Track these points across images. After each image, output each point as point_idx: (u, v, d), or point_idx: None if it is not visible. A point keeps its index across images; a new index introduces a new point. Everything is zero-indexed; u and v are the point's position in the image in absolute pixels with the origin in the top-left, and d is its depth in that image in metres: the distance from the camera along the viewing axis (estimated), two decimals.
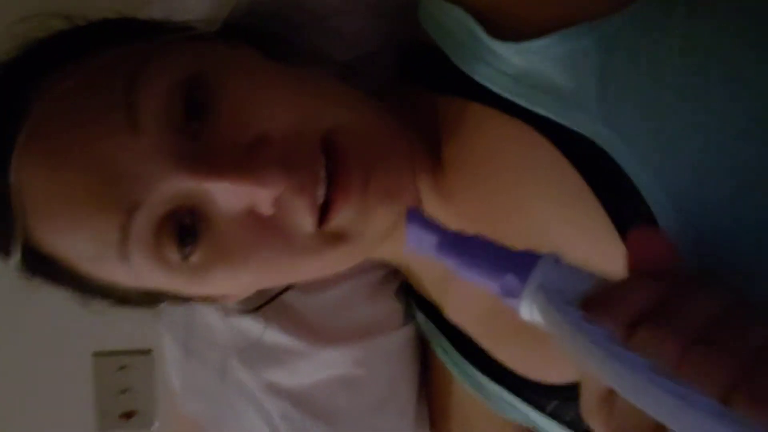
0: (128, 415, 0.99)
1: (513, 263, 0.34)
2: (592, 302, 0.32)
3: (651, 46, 0.42)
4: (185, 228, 0.44)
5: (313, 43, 0.59)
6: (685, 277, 0.32)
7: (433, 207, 0.54)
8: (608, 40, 0.43)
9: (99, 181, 0.42)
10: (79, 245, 0.45)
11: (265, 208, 0.43)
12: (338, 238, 0.46)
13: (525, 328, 0.53)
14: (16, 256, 0.47)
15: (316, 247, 0.46)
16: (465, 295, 0.55)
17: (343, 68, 0.60)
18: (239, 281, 0.49)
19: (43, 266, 0.48)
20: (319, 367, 0.61)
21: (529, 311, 0.34)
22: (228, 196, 0.43)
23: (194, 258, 0.45)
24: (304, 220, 0.45)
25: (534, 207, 0.48)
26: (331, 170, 0.44)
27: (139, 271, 0.45)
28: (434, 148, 0.54)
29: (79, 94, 0.44)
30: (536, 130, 0.46)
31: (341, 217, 0.45)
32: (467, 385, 0.60)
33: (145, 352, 0.98)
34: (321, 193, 0.44)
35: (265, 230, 0.44)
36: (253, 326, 0.61)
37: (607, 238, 0.44)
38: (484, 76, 0.48)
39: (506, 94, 0.47)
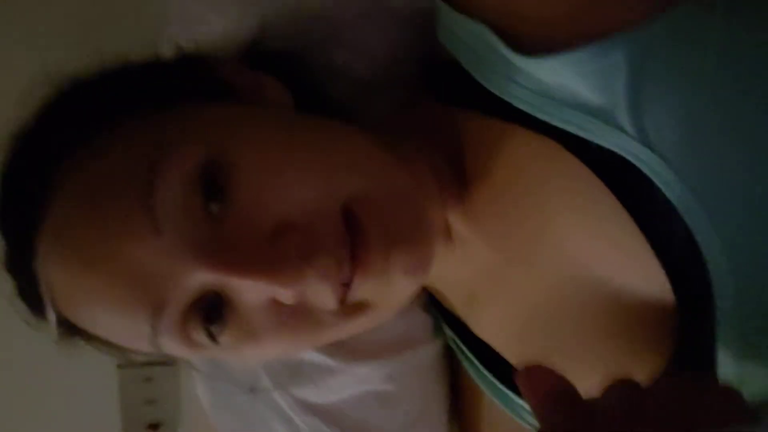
0: (154, 427, 0.99)
1: None
2: None
3: (687, 57, 0.42)
4: (212, 313, 0.44)
5: (335, 57, 0.59)
6: (584, 401, 0.32)
7: (461, 231, 0.53)
8: (640, 53, 0.42)
9: (123, 284, 0.42)
10: (110, 333, 0.47)
11: (288, 300, 0.43)
12: (359, 308, 0.46)
13: (559, 348, 0.53)
14: (52, 332, 0.48)
15: (340, 321, 0.46)
16: (497, 315, 0.55)
17: (366, 85, 0.59)
18: (270, 354, 0.51)
19: (79, 333, 0.49)
20: (349, 383, 0.61)
21: None
22: (250, 291, 0.43)
23: (222, 339, 0.45)
24: (328, 301, 0.44)
25: (564, 226, 0.47)
26: (352, 247, 0.43)
27: (171, 352, 0.46)
28: (459, 169, 0.53)
29: (97, 191, 0.43)
30: (564, 147, 0.45)
31: (361, 291, 0.44)
32: (496, 400, 0.59)
33: (171, 364, 0.98)
34: (346, 273, 0.44)
35: (290, 314, 0.44)
36: None
37: (642, 256, 0.44)
38: (507, 92, 0.47)
39: (531, 111, 0.46)
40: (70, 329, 0.48)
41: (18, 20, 0.84)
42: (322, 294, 0.44)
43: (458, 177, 0.53)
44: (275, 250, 0.42)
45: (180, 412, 1.00)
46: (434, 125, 0.55)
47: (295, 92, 0.54)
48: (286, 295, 0.42)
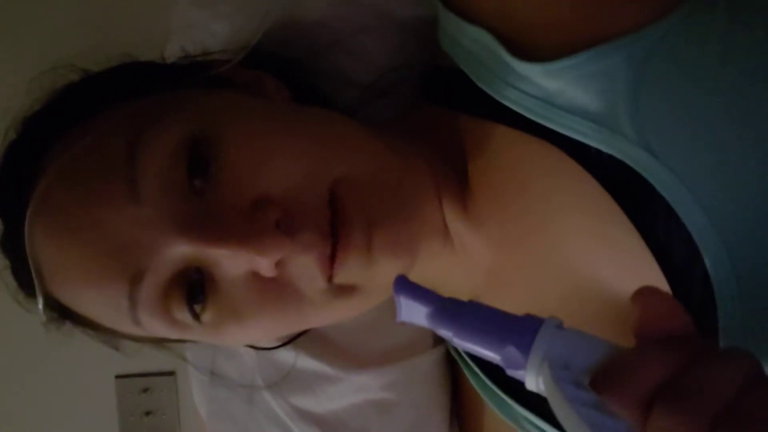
0: None
1: (512, 331, 0.33)
2: (602, 380, 0.30)
3: (688, 60, 0.41)
4: (193, 288, 0.44)
5: (338, 64, 0.59)
6: (699, 344, 0.31)
7: (461, 233, 0.53)
8: (640, 56, 0.42)
9: (102, 253, 0.42)
10: (93, 309, 0.46)
11: (267, 272, 0.43)
12: (347, 290, 0.46)
13: None
14: (40, 311, 0.47)
15: (326, 301, 0.45)
16: None
17: (367, 91, 0.59)
18: (253, 335, 0.49)
19: (67, 315, 0.49)
20: (349, 391, 0.60)
21: (535, 384, 0.32)
22: (229, 261, 0.42)
23: (205, 317, 0.45)
24: (315, 276, 0.44)
25: (565, 231, 0.47)
26: (334, 224, 0.43)
27: (153, 331, 0.46)
28: (460, 172, 0.53)
29: (81, 163, 0.44)
30: (564, 152, 0.45)
31: (346, 271, 0.44)
32: (497, 409, 0.58)
33: (168, 374, 0.97)
34: (328, 250, 0.43)
35: (272, 290, 0.44)
36: (280, 352, 0.60)
37: (642, 261, 0.43)
38: (508, 98, 0.47)
39: (532, 116, 0.46)
40: (59, 310, 0.48)
41: (23, 27, 0.85)
42: (307, 269, 0.43)
43: (459, 180, 0.53)
44: (253, 221, 0.42)
45: (178, 422, 0.99)
46: (435, 129, 0.55)
47: (294, 92, 0.54)
48: (263, 264, 0.42)
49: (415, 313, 0.35)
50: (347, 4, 0.59)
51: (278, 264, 0.42)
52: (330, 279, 0.44)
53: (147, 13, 0.68)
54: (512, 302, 0.52)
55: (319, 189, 0.44)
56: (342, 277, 0.44)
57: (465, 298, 0.56)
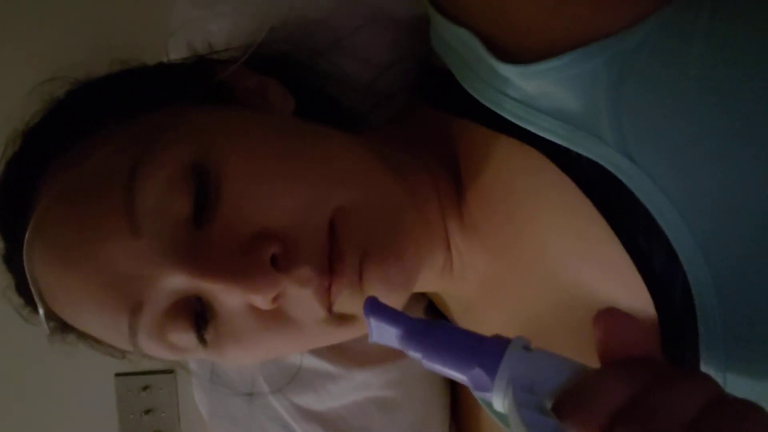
0: None
1: (479, 353, 0.33)
2: (563, 406, 0.31)
3: (669, 63, 0.40)
4: (198, 317, 0.44)
5: (340, 64, 0.58)
6: (662, 366, 0.31)
7: (459, 241, 0.53)
8: (620, 60, 0.40)
9: (101, 285, 0.43)
10: (94, 330, 0.47)
11: (263, 305, 0.43)
12: (347, 320, 0.46)
13: None
14: (43, 326, 0.48)
15: (326, 330, 0.45)
16: (496, 324, 0.54)
17: (369, 92, 0.59)
18: (254, 358, 0.50)
19: (70, 329, 0.49)
20: (351, 389, 0.61)
21: (501, 405, 0.33)
22: (225, 296, 0.43)
23: (207, 338, 0.45)
24: (314, 308, 0.44)
25: (551, 239, 0.46)
26: (330, 257, 0.43)
27: (153, 353, 0.46)
28: (457, 177, 0.53)
29: (79, 190, 0.44)
30: (545, 155, 0.44)
31: (342, 302, 0.44)
32: (485, 408, 0.58)
33: (168, 372, 0.97)
34: (326, 283, 0.43)
35: (272, 320, 0.44)
36: None
37: (622, 269, 0.42)
38: (491, 100, 0.46)
39: (513, 119, 0.45)
40: (61, 324, 0.48)
41: (22, 29, 0.85)
42: (305, 301, 0.43)
43: (456, 187, 0.53)
44: (249, 257, 0.41)
45: (178, 420, 0.99)
46: (433, 134, 0.55)
47: (298, 97, 0.53)
48: (257, 300, 0.42)
49: (386, 335, 0.35)
50: (348, 2, 0.58)
51: (276, 297, 0.42)
52: (329, 309, 0.44)
53: (149, 13, 0.68)
54: (506, 309, 0.52)
55: (319, 221, 0.43)
56: (340, 306, 0.44)
57: (460, 302, 0.57)
